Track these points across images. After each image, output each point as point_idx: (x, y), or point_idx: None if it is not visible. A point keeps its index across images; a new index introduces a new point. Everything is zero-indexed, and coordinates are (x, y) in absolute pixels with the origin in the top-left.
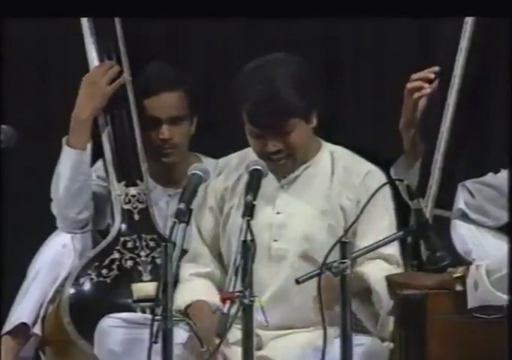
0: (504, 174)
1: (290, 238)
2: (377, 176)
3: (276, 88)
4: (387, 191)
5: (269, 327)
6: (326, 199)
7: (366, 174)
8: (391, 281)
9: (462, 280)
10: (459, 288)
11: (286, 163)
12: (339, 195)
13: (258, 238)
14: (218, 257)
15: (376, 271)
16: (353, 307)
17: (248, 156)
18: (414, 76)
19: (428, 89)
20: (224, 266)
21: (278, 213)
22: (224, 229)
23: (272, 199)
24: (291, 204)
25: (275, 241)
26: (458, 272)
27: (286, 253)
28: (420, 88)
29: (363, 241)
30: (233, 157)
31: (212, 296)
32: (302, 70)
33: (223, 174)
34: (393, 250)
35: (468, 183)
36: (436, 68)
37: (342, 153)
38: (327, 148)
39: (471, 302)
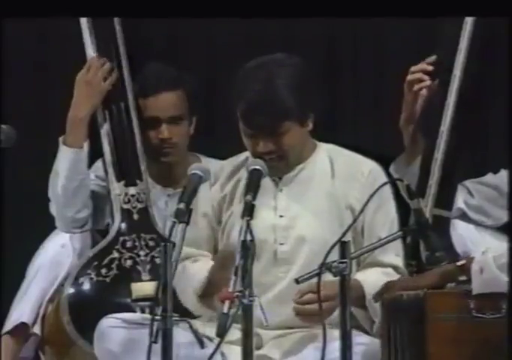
0: (503, 174)
1: (296, 240)
2: (380, 174)
3: (273, 90)
4: (389, 189)
5: (270, 326)
6: (330, 199)
7: (369, 173)
8: (393, 286)
9: (466, 269)
10: (462, 277)
11: (278, 164)
12: (345, 195)
13: (262, 241)
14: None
15: (372, 279)
16: (352, 309)
17: (244, 164)
18: (413, 68)
19: (427, 81)
20: None
21: (281, 216)
22: (223, 235)
23: (273, 202)
24: (293, 206)
25: (281, 244)
26: (461, 261)
27: (293, 255)
28: (419, 80)
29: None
30: (226, 165)
31: None
32: (300, 73)
33: (218, 183)
34: (399, 260)
35: (468, 183)
36: (433, 57)
37: (339, 152)
38: (323, 147)
39: (476, 288)
